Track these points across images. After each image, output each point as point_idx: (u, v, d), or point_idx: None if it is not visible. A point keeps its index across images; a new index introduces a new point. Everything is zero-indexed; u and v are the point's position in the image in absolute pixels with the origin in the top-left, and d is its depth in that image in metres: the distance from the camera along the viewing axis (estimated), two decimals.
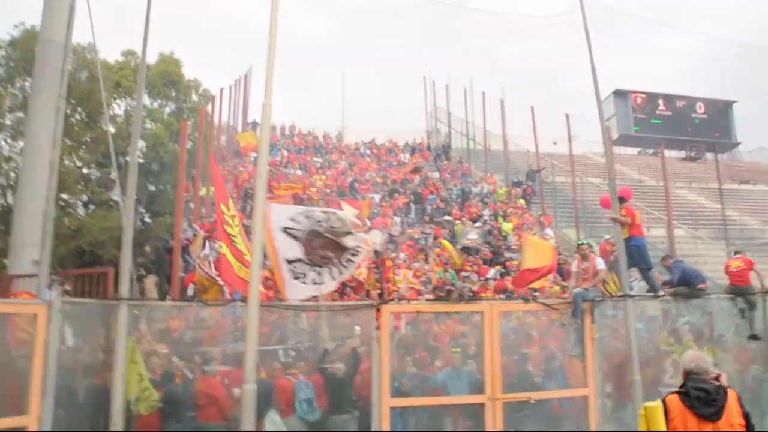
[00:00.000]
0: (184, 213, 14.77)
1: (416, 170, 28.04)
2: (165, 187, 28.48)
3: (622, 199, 10.46)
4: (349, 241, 9.21)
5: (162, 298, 13.82)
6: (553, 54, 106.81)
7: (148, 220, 28.05)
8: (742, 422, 3.91)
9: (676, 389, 4.03)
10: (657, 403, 3.89)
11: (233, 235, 9.39)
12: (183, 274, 13.43)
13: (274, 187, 19.24)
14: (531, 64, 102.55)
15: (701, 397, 3.88)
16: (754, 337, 9.94)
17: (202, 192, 19.16)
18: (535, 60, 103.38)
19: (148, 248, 24.60)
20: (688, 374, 4.10)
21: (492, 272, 16.08)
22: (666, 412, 3.91)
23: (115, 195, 26.93)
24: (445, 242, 18.06)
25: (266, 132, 7.41)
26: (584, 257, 9.91)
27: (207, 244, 13.87)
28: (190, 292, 12.95)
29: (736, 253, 11.71)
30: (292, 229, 9.49)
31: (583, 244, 10.50)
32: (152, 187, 28.61)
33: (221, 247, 9.29)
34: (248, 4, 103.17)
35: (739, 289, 10.22)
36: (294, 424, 7.55)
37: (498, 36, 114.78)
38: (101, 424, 7.05)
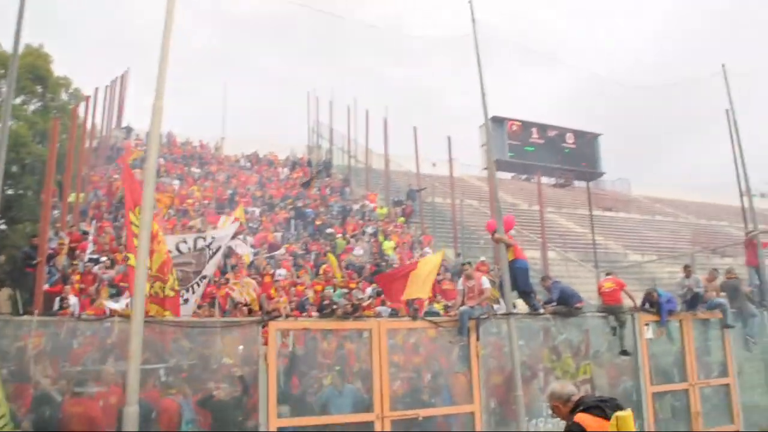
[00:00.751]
0: (50, 221, 13.56)
1: (307, 184, 27.72)
2: (25, 191, 26.27)
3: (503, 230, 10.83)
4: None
5: (18, 313, 12.60)
6: (434, 77, 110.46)
7: (2, 227, 25.70)
8: None
9: (581, 410, 4.07)
10: (627, 412, 4.00)
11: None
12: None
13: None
14: (411, 85, 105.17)
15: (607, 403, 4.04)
16: (624, 352, 10.55)
17: (71, 198, 17.79)
18: (416, 81, 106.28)
19: (2, 258, 22.55)
20: (574, 400, 4.25)
21: (369, 290, 15.94)
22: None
23: None
24: (331, 256, 17.91)
25: (156, 135, 6.95)
26: (468, 276, 10.06)
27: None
28: (56, 306, 11.93)
29: (607, 274, 12.41)
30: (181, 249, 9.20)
31: (466, 263, 10.69)
32: (10, 191, 26.28)
33: (128, 258, 8.44)
34: (127, 4, 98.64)
35: (611, 308, 10.81)
36: None
37: (382, 55, 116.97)
38: None
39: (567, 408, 4.21)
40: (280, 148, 35.39)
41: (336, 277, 16.89)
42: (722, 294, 12.35)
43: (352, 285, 15.95)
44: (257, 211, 22.32)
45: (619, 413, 3.93)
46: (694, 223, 40.21)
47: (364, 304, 13.02)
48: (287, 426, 7.78)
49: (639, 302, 11.42)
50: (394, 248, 20.19)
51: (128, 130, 32.50)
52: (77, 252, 14.92)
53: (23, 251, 13.88)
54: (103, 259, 14.56)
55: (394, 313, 12.93)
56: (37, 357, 7.34)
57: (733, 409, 11.54)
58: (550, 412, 4.78)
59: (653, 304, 11.22)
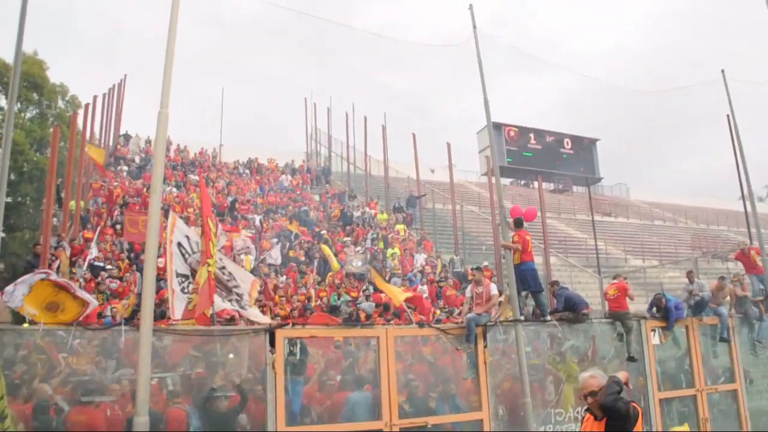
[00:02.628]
0: (51, 228, 13.46)
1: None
2: (24, 199, 26.23)
3: (520, 222, 10.79)
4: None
5: (19, 321, 12.49)
6: (431, 84, 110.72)
7: (1, 234, 25.58)
8: None
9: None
10: (684, 427, 4.13)
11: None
12: None
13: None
14: (408, 92, 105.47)
15: None
16: (631, 359, 10.48)
17: (72, 206, 17.69)
18: (412, 87, 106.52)
19: (2, 266, 22.42)
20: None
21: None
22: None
23: None
24: (324, 247, 18.10)
25: (161, 142, 6.88)
26: (478, 282, 9.99)
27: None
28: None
29: (614, 278, 12.36)
30: (184, 249, 9.03)
31: (476, 269, 10.62)
32: (8, 199, 26.19)
33: (208, 264, 8.45)
34: (121, 10, 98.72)
35: (617, 315, 10.76)
36: None
37: (379, 62, 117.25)
38: None
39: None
40: (278, 154, 35.33)
41: (333, 266, 17.36)
42: (726, 301, 12.30)
43: (354, 293, 15.87)
44: (258, 218, 22.21)
45: (675, 428, 4.04)
46: (693, 227, 40.26)
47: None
48: None
49: (646, 308, 11.38)
50: (395, 255, 20.12)
51: (126, 137, 32.37)
52: (78, 261, 14.80)
53: (26, 259, 13.77)
54: (109, 267, 14.49)
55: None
56: (42, 366, 7.27)
57: (741, 415, 11.48)
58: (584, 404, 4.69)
59: (660, 309, 11.17)
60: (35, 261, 12.72)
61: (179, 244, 8.76)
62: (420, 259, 20.05)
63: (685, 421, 10.95)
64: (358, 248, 20.14)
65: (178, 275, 8.48)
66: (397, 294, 11.58)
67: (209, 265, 8.36)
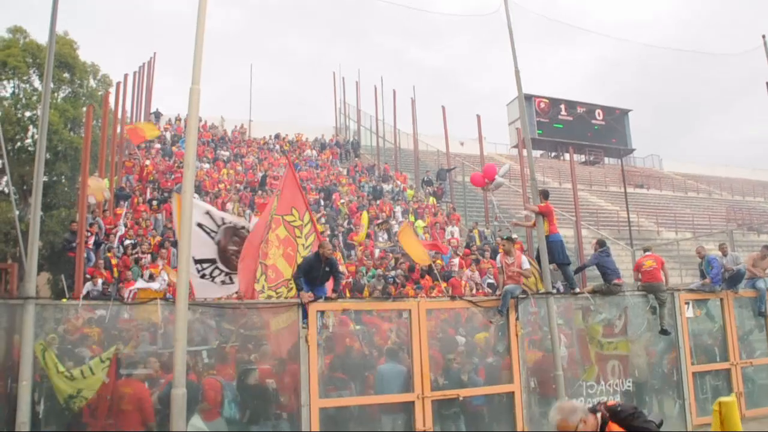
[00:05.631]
0: (87, 206, 13.72)
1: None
2: (59, 178, 26.65)
3: (546, 194, 10.73)
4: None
5: (58, 296, 12.86)
6: (459, 56, 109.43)
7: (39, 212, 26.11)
8: None
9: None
10: (732, 398, 3.77)
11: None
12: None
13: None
14: (437, 64, 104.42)
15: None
16: (664, 332, 10.38)
17: (105, 183, 18.01)
18: (441, 60, 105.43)
19: (41, 243, 22.94)
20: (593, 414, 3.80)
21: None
22: None
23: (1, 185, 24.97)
24: (365, 214, 18.41)
25: (194, 118, 6.92)
26: (508, 252, 9.94)
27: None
28: (90, 287, 12.12)
29: (645, 251, 12.20)
30: (206, 226, 9.13)
31: (506, 238, 10.57)
32: (45, 178, 26.69)
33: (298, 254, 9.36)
34: None
35: (651, 287, 10.62)
36: (218, 426, 7.07)
37: (406, 35, 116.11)
38: None
39: (593, 419, 3.72)
40: (308, 129, 35.35)
41: (362, 234, 17.80)
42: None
43: (381, 268, 15.96)
44: None
45: (722, 399, 3.75)
46: (728, 199, 39.45)
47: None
48: (329, 406, 7.82)
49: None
50: (423, 227, 20.15)
51: (157, 114, 32.70)
52: (110, 237, 15.13)
53: (64, 237, 14.10)
54: (144, 244, 14.80)
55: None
56: (83, 340, 7.48)
57: None
58: None
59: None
60: (72, 238, 13.02)
61: (199, 225, 8.83)
62: (455, 231, 20.03)
63: (718, 396, 10.86)
64: (380, 221, 20.25)
65: (196, 261, 8.60)
66: (422, 256, 12.39)
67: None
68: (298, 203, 10.21)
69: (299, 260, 9.23)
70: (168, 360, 6.85)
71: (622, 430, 3.70)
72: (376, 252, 17.70)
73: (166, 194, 19.21)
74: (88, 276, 12.55)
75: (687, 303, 10.91)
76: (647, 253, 11.47)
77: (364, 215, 18.83)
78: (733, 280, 11.66)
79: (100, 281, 12.48)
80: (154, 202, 18.38)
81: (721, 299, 11.30)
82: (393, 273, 15.43)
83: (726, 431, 3.72)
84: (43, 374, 6.54)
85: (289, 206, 10.03)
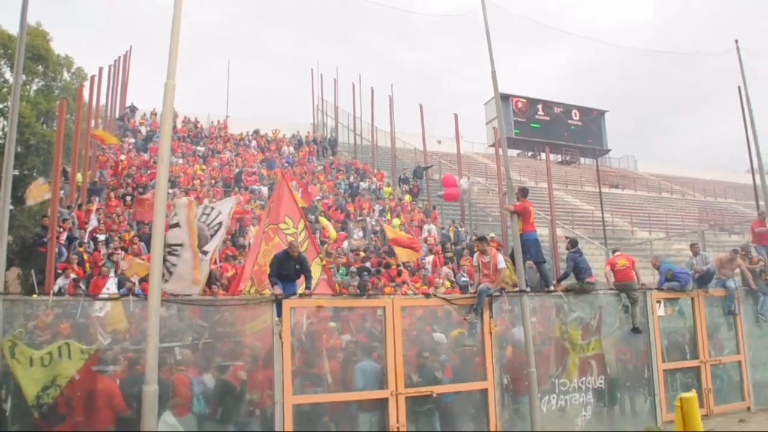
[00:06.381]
0: (60, 201, 13.50)
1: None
2: (31, 172, 26.22)
3: (525, 192, 10.82)
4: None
5: (28, 292, 12.61)
6: (438, 55, 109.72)
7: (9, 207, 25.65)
8: None
9: None
10: (692, 394, 3.89)
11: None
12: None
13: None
14: (415, 63, 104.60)
15: None
16: (636, 330, 10.55)
17: (78, 178, 17.75)
18: (418, 59, 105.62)
19: (10, 238, 22.56)
20: None
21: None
22: None
23: None
24: (323, 219, 18.33)
25: (168, 113, 6.85)
26: (483, 252, 10.00)
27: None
28: (62, 282, 11.93)
29: (614, 251, 12.38)
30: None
31: (481, 238, 10.63)
32: (16, 172, 26.19)
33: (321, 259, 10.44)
34: None
35: (624, 286, 10.77)
36: (190, 423, 7.02)
37: (385, 33, 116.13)
38: None
39: None
40: (285, 125, 35.16)
41: (331, 237, 17.69)
42: (736, 273, 12.28)
43: (357, 264, 15.95)
44: (265, 189, 22.24)
45: (683, 395, 3.87)
46: (701, 200, 40.08)
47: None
48: (302, 402, 7.80)
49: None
50: (399, 225, 20.13)
51: (132, 109, 32.28)
52: (81, 233, 14.94)
53: (35, 231, 13.87)
54: (102, 237, 14.68)
55: None
56: (54, 336, 7.35)
57: (744, 386, 11.56)
58: None
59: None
60: (43, 233, 12.81)
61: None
62: (432, 230, 20.06)
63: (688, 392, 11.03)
64: (359, 218, 20.19)
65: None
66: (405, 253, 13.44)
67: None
68: (293, 212, 11.11)
69: None
70: (140, 356, 6.78)
71: None
72: (345, 244, 17.66)
73: (140, 190, 18.98)
74: (59, 271, 12.37)
75: (658, 302, 11.07)
76: (616, 254, 11.65)
77: (321, 220, 18.82)
78: (703, 279, 11.87)
79: (72, 276, 12.30)
80: (128, 198, 18.15)
81: (692, 298, 11.48)
82: (367, 265, 15.52)
83: (687, 425, 3.81)
84: (7, 371, 6.43)
85: (282, 215, 10.94)
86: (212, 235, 9.36)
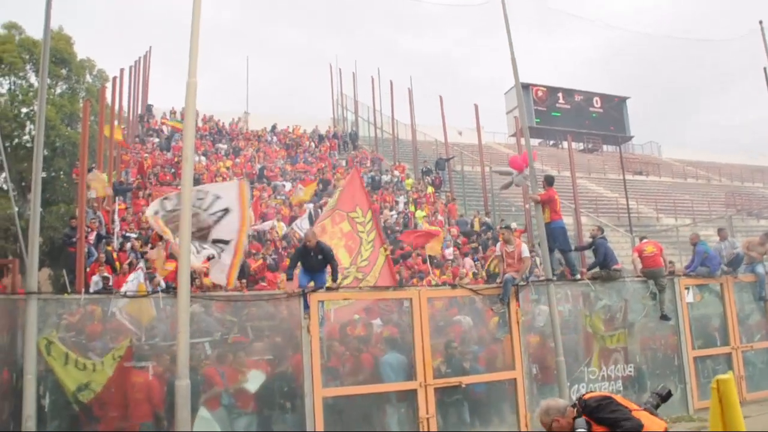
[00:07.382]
0: (87, 201, 13.73)
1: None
2: (58, 173, 26.66)
3: (550, 180, 10.77)
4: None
5: (59, 292, 12.82)
6: (455, 45, 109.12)
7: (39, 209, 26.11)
8: None
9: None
10: (729, 375, 3.78)
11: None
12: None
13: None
14: (433, 55, 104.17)
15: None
16: (664, 317, 10.43)
17: (104, 178, 17.97)
18: (437, 50, 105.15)
19: (41, 239, 22.96)
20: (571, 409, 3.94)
21: None
22: None
23: None
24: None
25: (191, 111, 6.91)
26: (507, 241, 9.97)
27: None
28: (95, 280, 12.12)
29: (641, 239, 12.25)
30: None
31: (505, 227, 10.61)
32: (43, 174, 26.64)
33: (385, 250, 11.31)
34: None
35: (652, 272, 10.65)
36: (222, 416, 7.12)
37: (402, 25, 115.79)
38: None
39: (568, 418, 3.87)
40: (305, 120, 35.26)
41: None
42: (766, 258, 12.08)
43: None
44: (288, 185, 22.37)
45: (720, 377, 3.76)
46: (727, 185, 39.47)
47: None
48: (332, 395, 7.85)
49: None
50: (423, 217, 20.14)
51: (149, 109, 32.58)
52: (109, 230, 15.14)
53: (64, 232, 14.10)
54: (133, 235, 14.81)
55: None
56: (87, 334, 7.49)
57: None
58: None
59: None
60: (72, 233, 13.02)
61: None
62: (452, 222, 20.04)
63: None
64: (392, 212, 20.23)
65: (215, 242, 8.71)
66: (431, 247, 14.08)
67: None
68: (362, 203, 11.86)
69: (363, 253, 10.91)
70: (170, 352, 6.88)
71: (605, 429, 3.68)
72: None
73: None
74: (92, 272, 12.58)
75: (687, 288, 10.94)
76: (644, 241, 11.53)
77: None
78: (731, 264, 11.70)
79: (105, 275, 12.50)
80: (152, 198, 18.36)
81: (721, 284, 11.34)
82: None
83: (724, 409, 3.73)
84: (47, 368, 6.57)
85: (353, 204, 11.71)
86: (216, 222, 8.97)
